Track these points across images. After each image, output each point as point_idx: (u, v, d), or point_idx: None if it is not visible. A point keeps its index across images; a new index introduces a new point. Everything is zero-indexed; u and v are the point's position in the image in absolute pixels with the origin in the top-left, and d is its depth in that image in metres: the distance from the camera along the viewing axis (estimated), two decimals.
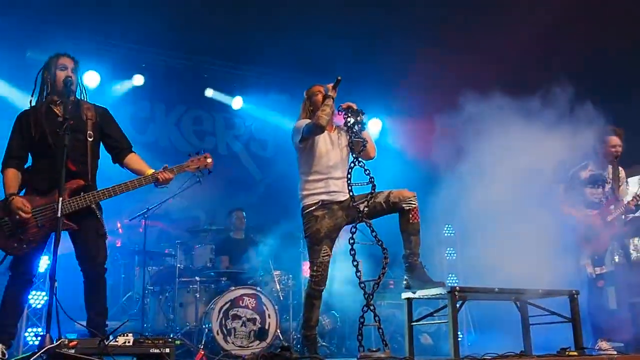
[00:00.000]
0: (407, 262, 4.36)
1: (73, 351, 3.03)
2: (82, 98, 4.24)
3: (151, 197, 6.78)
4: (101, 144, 4.29)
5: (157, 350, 3.23)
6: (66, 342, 3.06)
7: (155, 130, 9.03)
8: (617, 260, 8.26)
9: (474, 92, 5.18)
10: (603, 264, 5.55)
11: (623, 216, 5.68)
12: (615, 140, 5.68)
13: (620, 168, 5.83)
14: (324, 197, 4.47)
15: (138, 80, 8.50)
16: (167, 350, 3.28)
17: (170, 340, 3.36)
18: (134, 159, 4.29)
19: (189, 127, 9.35)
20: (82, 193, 3.95)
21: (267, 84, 9.27)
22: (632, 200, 5.66)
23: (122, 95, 8.44)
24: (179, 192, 6.55)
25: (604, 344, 5.21)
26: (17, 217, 3.82)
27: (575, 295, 4.45)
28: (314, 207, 4.45)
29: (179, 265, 6.60)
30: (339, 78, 4.48)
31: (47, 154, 4.00)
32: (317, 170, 4.54)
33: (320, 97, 4.57)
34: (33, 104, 4.17)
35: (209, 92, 9.26)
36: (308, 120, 4.50)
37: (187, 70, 8.95)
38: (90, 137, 4.08)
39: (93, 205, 4.00)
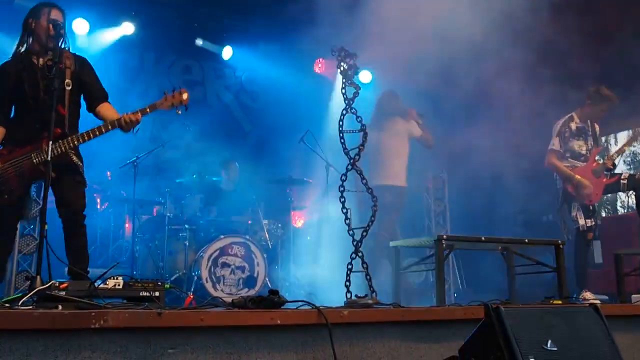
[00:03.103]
0: None
1: (64, 293, 3.05)
2: (65, 47, 4.17)
3: (141, 146, 6.79)
4: None
5: (147, 293, 3.25)
6: (57, 284, 3.07)
7: (144, 80, 8.92)
8: (603, 214, 8.35)
9: None
10: (592, 217, 5.59)
11: (605, 171, 5.74)
12: (604, 107, 5.78)
13: (595, 123, 5.89)
14: None
15: (128, 28, 8.32)
16: (157, 293, 3.30)
17: (160, 284, 3.38)
18: (105, 108, 4.23)
19: (178, 77, 9.23)
20: (59, 141, 3.91)
21: (257, 34, 9.13)
22: (608, 160, 5.74)
23: (112, 44, 8.29)
24: (169, 141, 6.58)
25: (588, 294, 5.29)
26: None
27: (561, 246, 4.51)
28: None
29: (168, 214, 6.62)
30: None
31: (27, 106, 3.99)
32: None
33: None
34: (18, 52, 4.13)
35: (199, 42, 9.12)
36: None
37: (176, 19, 8.77)
38: (68, 86, 4.02)
39: (73, 157, 4.00)
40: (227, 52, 9.22)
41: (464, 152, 6.69)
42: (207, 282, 5.94)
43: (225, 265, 6.05)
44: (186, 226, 6.55)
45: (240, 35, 9.10)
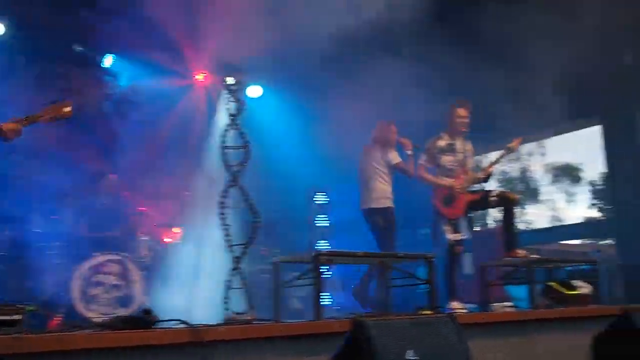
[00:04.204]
0: None
1: None
2: None
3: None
4: None
5: (5, 317, 2.98)
6: None
7: (14, 87, 8.31)
8: (477, 229, 8.76)
9: None
10: (460, 230, 5.86)
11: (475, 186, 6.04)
12: (461, 112, 6.01)
13: (467, 141, 6.16)
14: None
15: None
16: (18, 317, 3.04)
17: (20, 306, 3.11)
18: None
19: (53, 84, 8.70)
20: None
21: (141, 42, 8.77)
22: (481, 172, 6.05)
23: None
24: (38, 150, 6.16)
25: (455, 304, 5.54)
26: None
27: (431, 259, 4.76)
28: None
29: (36, 229, 6.18)
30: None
31: None
32: None
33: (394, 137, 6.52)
34: None
35: (78, 48, 8.68)
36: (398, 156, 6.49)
37: (54, 23, 8.28)
38: None
39: None
40: (108, 60, 8.85)
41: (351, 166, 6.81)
42: (79, 302, 5.59)
43: (98, 284, 5.73)
44: (57, 243, 6.13)
45: (122, 43, 8.71)
